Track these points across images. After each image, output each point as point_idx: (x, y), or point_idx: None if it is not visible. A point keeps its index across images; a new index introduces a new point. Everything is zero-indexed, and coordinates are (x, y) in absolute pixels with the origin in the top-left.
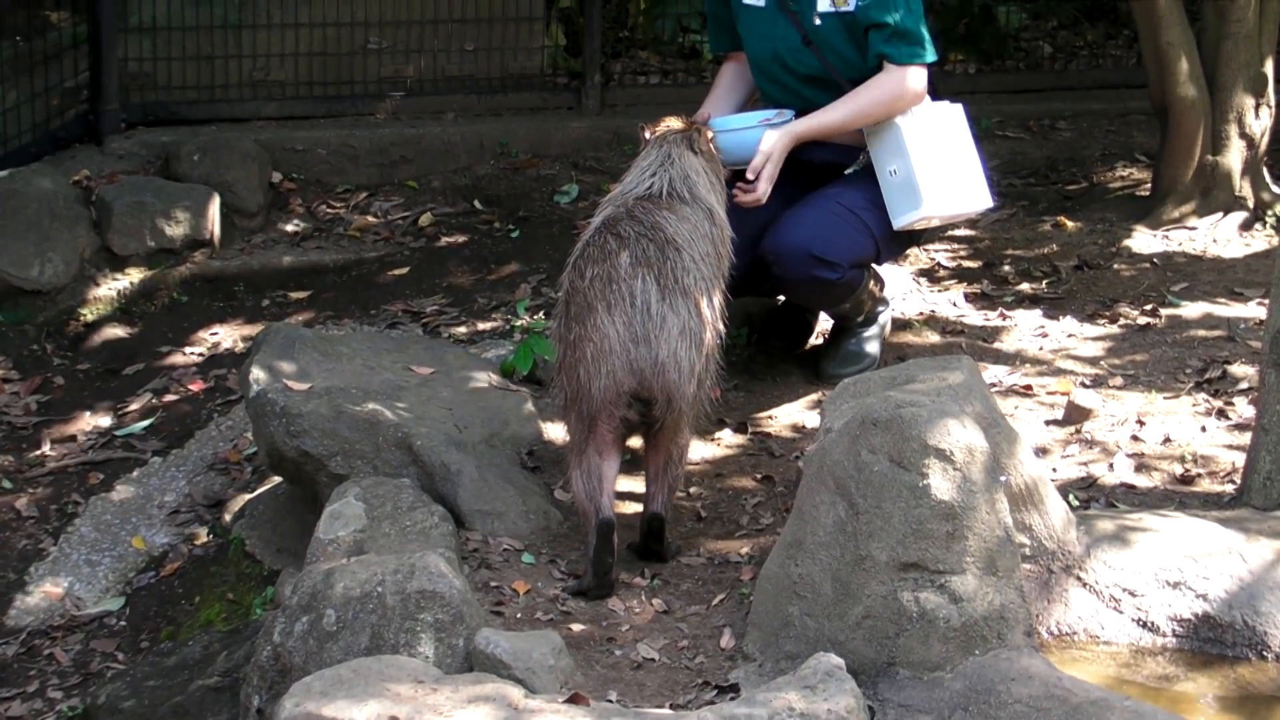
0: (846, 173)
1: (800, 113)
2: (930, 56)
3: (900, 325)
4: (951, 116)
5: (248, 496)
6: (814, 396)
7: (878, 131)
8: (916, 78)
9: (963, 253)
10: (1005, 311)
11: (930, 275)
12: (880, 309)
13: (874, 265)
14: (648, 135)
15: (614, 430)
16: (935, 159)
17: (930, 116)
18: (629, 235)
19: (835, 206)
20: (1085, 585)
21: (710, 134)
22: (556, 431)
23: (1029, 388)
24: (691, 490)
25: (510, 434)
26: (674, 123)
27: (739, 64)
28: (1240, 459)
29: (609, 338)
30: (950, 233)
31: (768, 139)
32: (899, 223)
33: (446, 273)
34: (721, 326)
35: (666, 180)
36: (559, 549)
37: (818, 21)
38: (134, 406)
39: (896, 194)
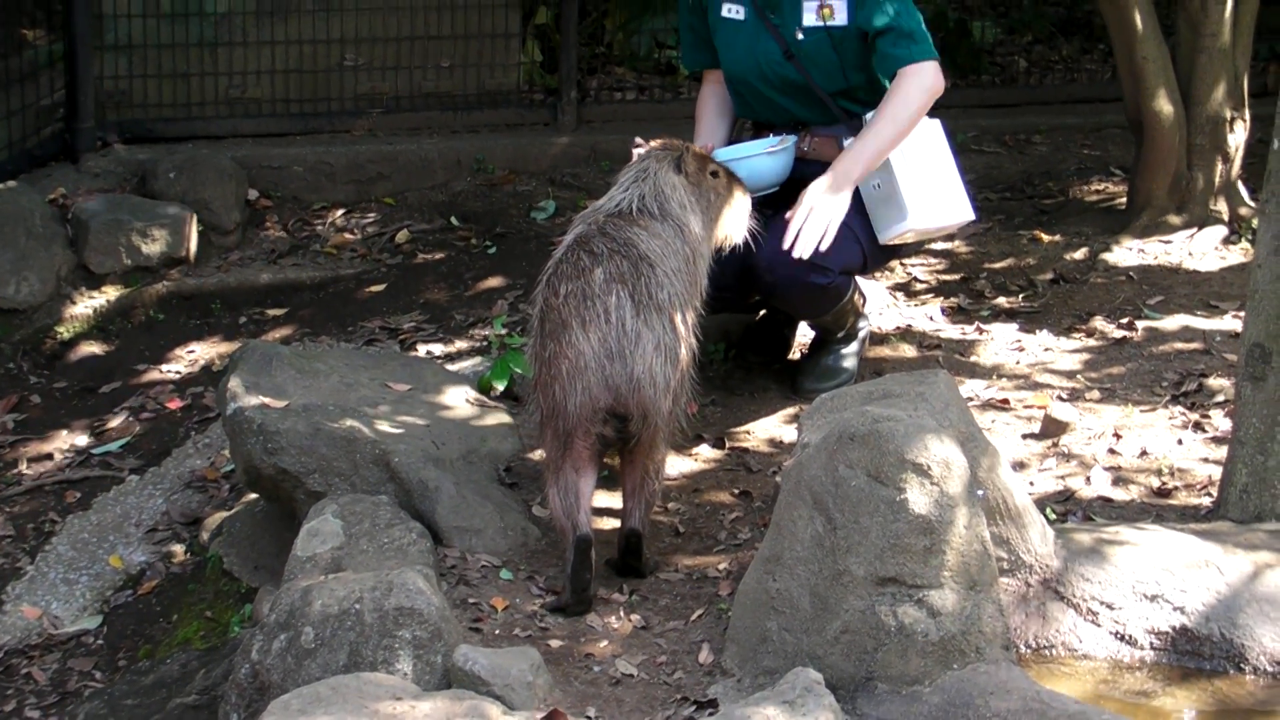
0: None
1: (779, 124)
2: (934, 53)
3: (877, 339)
4: (931, 131)
5: (225, 514)
6: (791, 411)
7: None
8: (936, 71)
9: (939, 267)
10: (982, 325)
11: (907, 289)
12: (861, 324)
13: (858, 277)
14: (636, 153)
15: (590, 447)
16: (918, 172)
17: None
18: (602, 252)
19: None
20: (1063, 599)
21: (698, 154)
22: (534, 447)
23: (1006, 401)
24: (669, 506)
25: (488, 450)
26: (669, 142)
27: (720, 86)
28: (1217, 472)
29: (584, 354)
30: (927, 247)
31: (815, 190)
32: (884, 236)
33: (423, 289)
34: (695, 341)
35: (636, 196)
36: (537, 565)
37: (800, 36)
38: (111, 424)
39: (881, 208)
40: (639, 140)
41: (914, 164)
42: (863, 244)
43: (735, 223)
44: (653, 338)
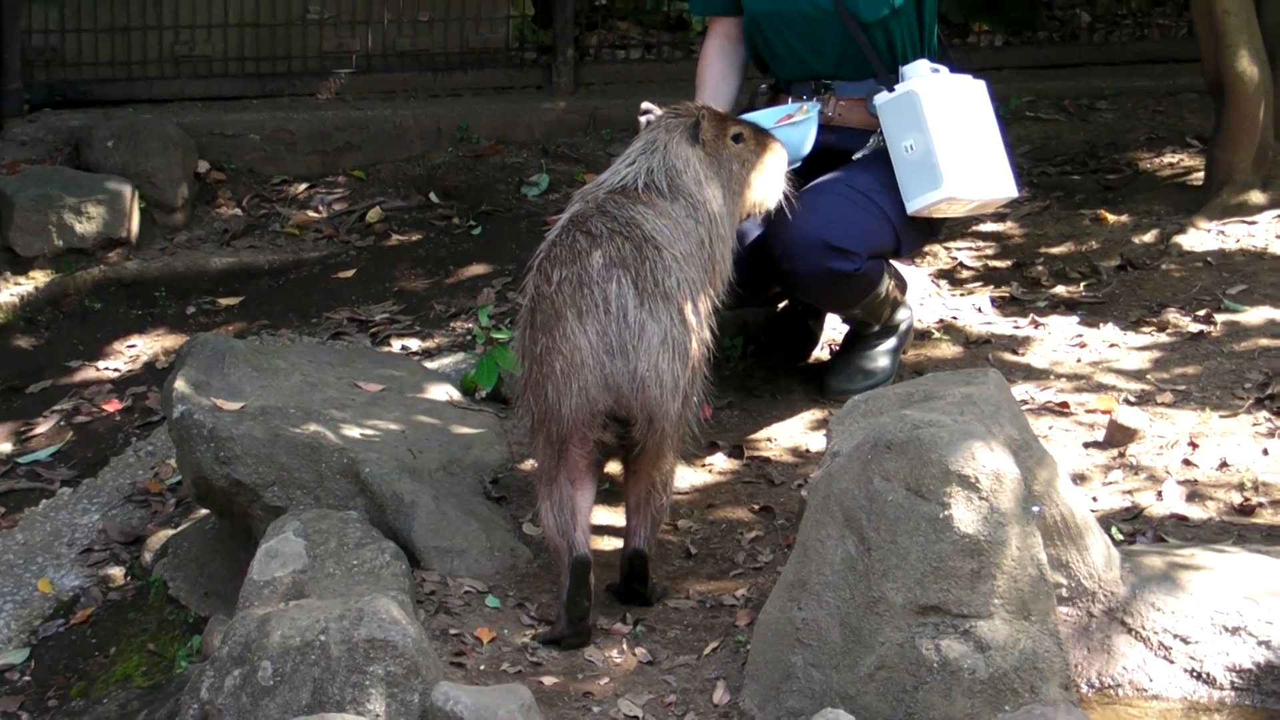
0: (855, 157)
1: (803, 78)
2: None
3: (918, 335)
4: (975, 92)
5: (171, 532)
6: (819, 416)
7: (892, 104)
8: None
9: (989, 251)
10: (1038, 318)
11: (951, 277)
12: (900, 316)
13: (894, 262)
14: (644, 120)
15: (588, 455)
16: (957, 135)
17: (952, 89)
18: (601, 232)
19: (847, 190)
20: (1131, 631)
21: (716, 118)
22: (524, 457)
23: (1065, 405)
24: (679, 523)
25: (472, 460)
26: (683, 107)
27: (727, 40)
28: None
29: (580, 350)
30: (974, 228)
31: None
32: (914, 205)
33: (398, 275)
34: (709, 335)
35: (644, 171)
36: (528, 591)
37: None
38: (39, 429)
39: (912, 173)
40: (648, 106)
41: (953, 126)
42: (893, 222)
43: (766, 191)
44: (659, 330)
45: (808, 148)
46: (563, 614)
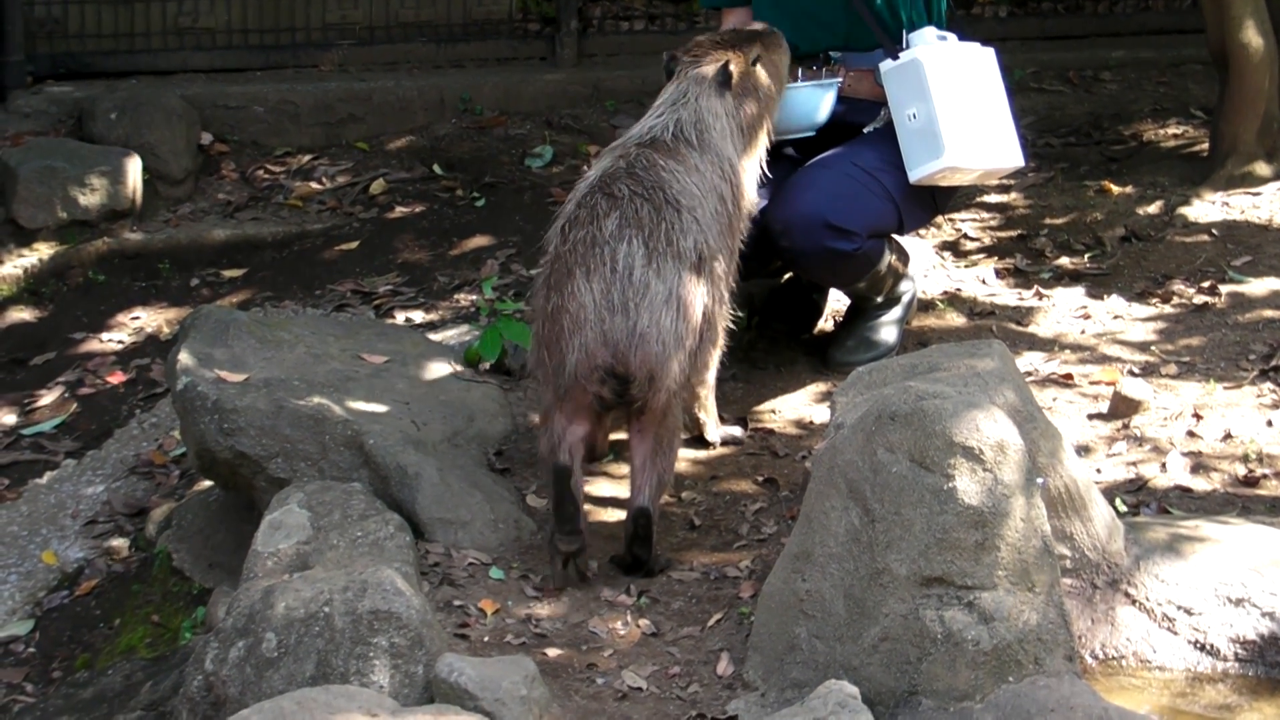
0: (866, 131)
1: (813, 52)
2: None
3: (922, 306)
4: (982, 60)
5: (175, 504)
6: (823, 388)
7: (897, 71)
8: None
9: (993, 222)
10: (1042, 290)
11: (956, 248)
12: (903, 288)
13: (895, 236)
14: (669, 64)
15: (588, 406)
16: (961, 103)
17: (958, 57)
18: (623, 195)
19: (850, 168)
20: (1134, 602)
21: (750, 59)
22: (528, 428)
23: (1069, 377)
24: (683, 495)
25: (476, 431)
26: (712, 50)
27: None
28: None
29: (585, 306)
30: (979, 199)
31: None
32: (916, 174)
33: (402, 247)
34: (726, 294)
35: (674, 123)
36: (532, 563)
37: None
38: (44, 401)
39: (915, 141)
40: (670, 53)
41: (957, 94)
42: (896, 200)
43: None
44: (663, 289)
45: (823, 114)
46: (552, 522)
